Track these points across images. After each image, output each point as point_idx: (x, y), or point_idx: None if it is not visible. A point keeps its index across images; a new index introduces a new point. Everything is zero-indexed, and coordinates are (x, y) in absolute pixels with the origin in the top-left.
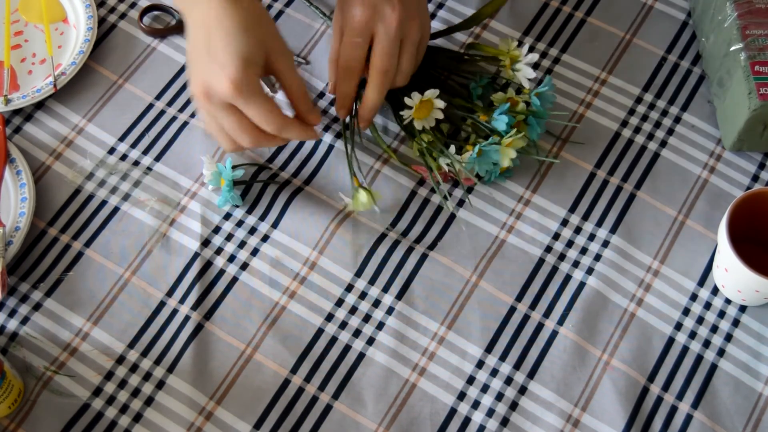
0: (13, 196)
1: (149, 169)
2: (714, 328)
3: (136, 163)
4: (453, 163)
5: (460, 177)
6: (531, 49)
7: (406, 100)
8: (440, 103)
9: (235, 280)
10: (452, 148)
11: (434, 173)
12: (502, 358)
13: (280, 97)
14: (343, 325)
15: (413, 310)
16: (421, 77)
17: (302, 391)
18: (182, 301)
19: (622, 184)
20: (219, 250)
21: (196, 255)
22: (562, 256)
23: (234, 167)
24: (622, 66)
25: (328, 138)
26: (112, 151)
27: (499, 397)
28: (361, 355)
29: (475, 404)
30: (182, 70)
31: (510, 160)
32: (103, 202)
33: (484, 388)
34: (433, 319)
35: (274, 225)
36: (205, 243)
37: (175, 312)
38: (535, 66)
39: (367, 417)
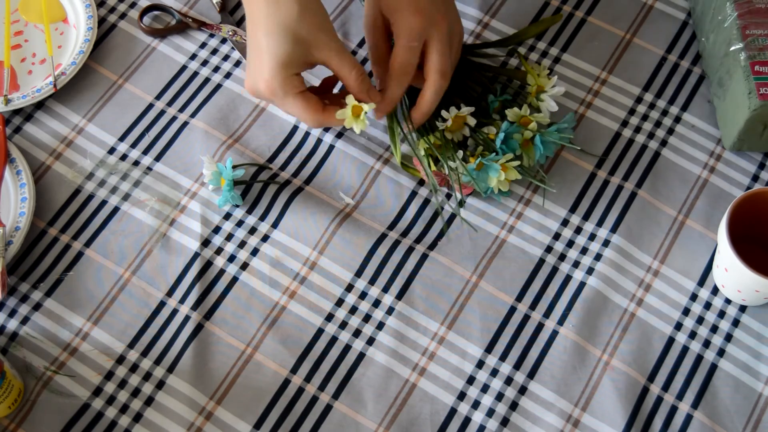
0: (13, 196)
1: (149, 169)
2: (714, 328)
3: (136, 163)
4: (451, 168)
5: (456, 182)
6: (532, 48)
7: (443, 113)
8: (472, 121)
9: (235, 280)
10: (460, 153)
11: (430, 171)
12: (502, 358)
13: None
14: (343, 325)
15: (413, 310)
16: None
17: (302, 391)
18: (182, 301)
19: (622, 184)
20: (219, 250)
21: (196, 255)
22: (562, 256)
23: (234, 167)
24: (622, 65)
25: (328, 138)
26: (112, 151)
27: (499, 397)
28: (361, 355)
29: (475, 404)
30: (182, 69)
31: (499, 182)
32: (103, 202)
33: (484, 388)
34: (433, 319)
35: (274, 225)
36: (205, 243)
37: (175, 312)
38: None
39: (367, 417)
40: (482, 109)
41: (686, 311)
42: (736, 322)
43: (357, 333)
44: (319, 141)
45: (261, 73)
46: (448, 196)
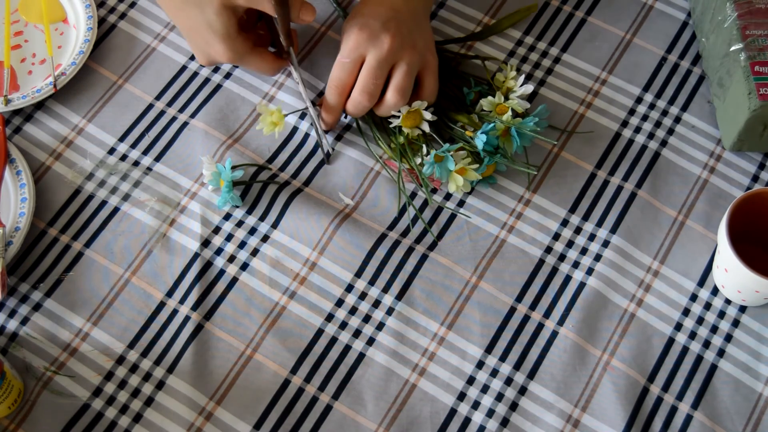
0: (13, 196)
1: (149, 169)
2: (714, 329)
3: (136, 164)
4: (412, 162)
5: (424, 177)
6: (532, 48)
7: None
8: (428, 116)
9: (235, 280)
10: (424, 149)
11: (404, 170)
12: (502, 358)
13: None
14: (343, 325)
15: (413, 311)
16: None
17: (302, 392)
18: (182, 301)
19: (622, 184)
20: (219, 251)
21: (196, 255)
22: (562, 257)
23: (233, 168)
24: (622, 66)
25: (327, 140)
26: (112, 151)
27: (499, 397)
28: (361, 356)
29: (475, 405)
30: (182, 69)
31: (456, 185)
32: (103, 203)
33: (484, 389)
34: (433, 319)
35: (274, 225)
36: (205, 243)
37: (175, 312)
38: (536, 65)
39: (367, 417)
40: (459, 100)
41: (686, 312)
42: (736, 323)
43: (357, 333)
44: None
45: (212, 46)
46: (413, 196)
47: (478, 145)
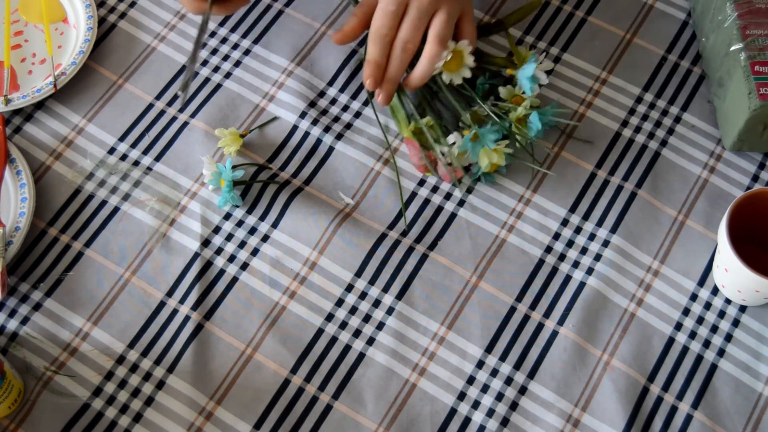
0: (13, 196)
1: (149, 169)
2: (714, 328)
3: (136, 163)
4: (441, 149)
5: (446, 163)
6: (532, 48)
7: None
8: (470, 60)
9: (235, 280)
10: (451, 137)
11: (428, 152)
12: (503, 358)
13: None
14: (343, 325)
15: (413, 310)
16: None
17: (302, 391)
18: (182, 301)
19: (622, 184)
20: (219, 250)
21: (196, 255)
22: (562, 256)
23: (234, 167)
24: (622, 65)
25: (328, 139)
26: (112, 151)
27: (500, 397)
28: (361, 355)
29: (476, 404)
30: (182, 70)
31: (491, 164)
32: (103, 202)
33: (484, 388)
34: (433, 319)
35: (274, 225)
36: (205, 243)
37: (175, 312)
38: None
39: (367, 417)
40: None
41: (686, 311)
42: (736, 323)
43: (357, 333)
44: (318, 141)
45: None
46: (435, 189)
47: (523, 80)
